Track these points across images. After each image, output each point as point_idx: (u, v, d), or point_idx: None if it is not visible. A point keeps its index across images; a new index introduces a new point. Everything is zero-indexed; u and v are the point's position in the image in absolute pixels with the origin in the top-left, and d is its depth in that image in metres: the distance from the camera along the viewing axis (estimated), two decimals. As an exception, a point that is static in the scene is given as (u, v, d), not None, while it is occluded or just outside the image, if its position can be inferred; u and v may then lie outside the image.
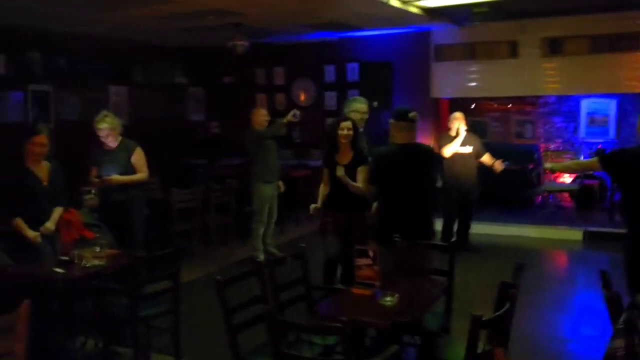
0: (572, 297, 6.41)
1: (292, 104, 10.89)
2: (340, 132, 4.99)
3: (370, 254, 3.65)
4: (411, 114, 4.72)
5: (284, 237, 8.31)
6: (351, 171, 4.92)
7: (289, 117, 6.91)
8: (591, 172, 8.59)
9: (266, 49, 10.35)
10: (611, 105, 9.75)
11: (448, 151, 7.37)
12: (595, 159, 4.27)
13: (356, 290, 3.62)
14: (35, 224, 4.68)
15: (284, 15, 7.98)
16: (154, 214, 6.20)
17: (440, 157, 7.25)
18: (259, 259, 7.09)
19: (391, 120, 4.77)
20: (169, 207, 7.09)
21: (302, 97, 10.89)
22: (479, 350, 2.89)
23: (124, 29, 8.83)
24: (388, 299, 3.38)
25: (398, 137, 4.70)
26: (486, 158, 7.48)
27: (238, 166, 10.43)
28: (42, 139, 4.76)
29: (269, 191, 7.19)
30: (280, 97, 11.06)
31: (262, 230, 7.24)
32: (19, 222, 4.63)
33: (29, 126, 4.89)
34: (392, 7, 7.40)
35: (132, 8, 7.16)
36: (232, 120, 11.40)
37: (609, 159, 4.18)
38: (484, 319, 2.78)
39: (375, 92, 9.77)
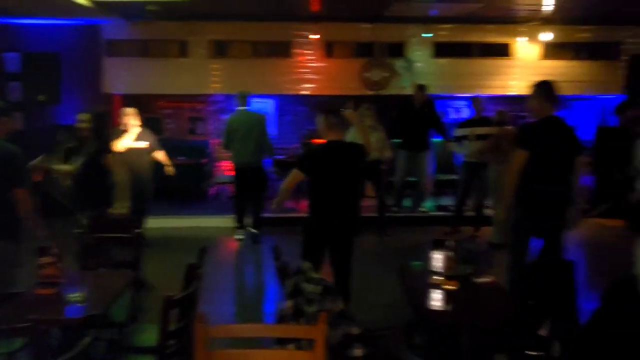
0: (250, 277, 7.05)
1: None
2: None
3: (54, 251, 3.54)
4: None
5: None
6: None
7: None
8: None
9: None
10: (272, 105, 10.86)
11: (120, 146, 7.32)
12: (295, 171, 4.59)
13: (40, 291, 3.47)
14: None
15: None
16: None
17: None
18: None
19: None
20: None
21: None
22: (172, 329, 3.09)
23: None
24: (75, 295, 3.33)
25: None
26: (161, 156, 7.66)
27: None
28: None
29: None
30: None
31: None
32: None
33: None
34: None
35: None
36: None
37: (304, 164, 4.63)
38: (175, 298, 2.98)
39: (41, 85, 9.15)
